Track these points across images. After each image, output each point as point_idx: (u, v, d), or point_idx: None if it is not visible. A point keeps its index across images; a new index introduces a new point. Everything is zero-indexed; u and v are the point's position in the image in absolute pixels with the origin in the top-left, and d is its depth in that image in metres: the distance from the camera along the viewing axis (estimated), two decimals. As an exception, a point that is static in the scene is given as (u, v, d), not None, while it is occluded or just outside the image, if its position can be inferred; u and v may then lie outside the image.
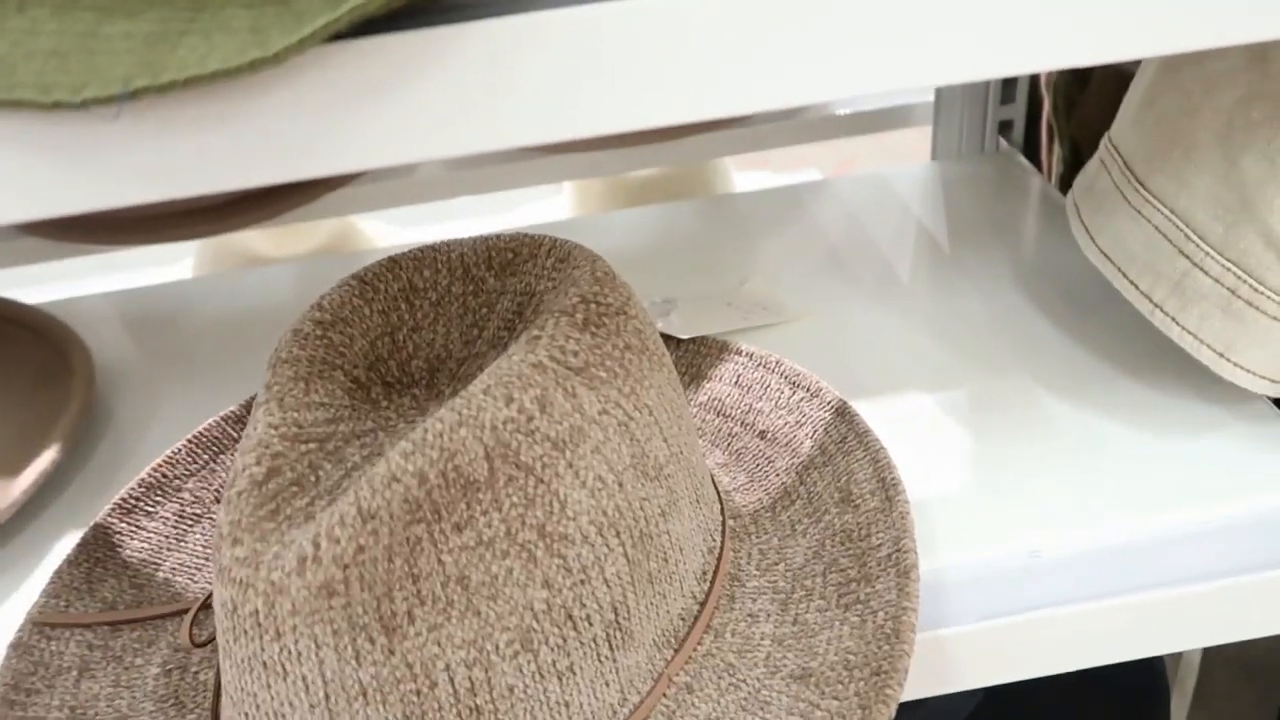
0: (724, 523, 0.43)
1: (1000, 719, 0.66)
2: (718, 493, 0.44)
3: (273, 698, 0.33)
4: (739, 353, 0.54)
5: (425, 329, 0.41)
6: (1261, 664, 0.58)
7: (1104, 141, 0.54)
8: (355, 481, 0.34)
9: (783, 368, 0.52)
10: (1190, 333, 0.48)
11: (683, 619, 0.39)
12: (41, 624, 0.44)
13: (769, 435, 0.49)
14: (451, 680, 0.33)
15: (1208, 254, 0.47)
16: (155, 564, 0.48)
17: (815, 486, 0.46)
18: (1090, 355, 0.56)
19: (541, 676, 0.34)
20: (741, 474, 0.48)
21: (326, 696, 0.33)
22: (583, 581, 0.35)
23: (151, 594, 0.46)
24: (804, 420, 0.49)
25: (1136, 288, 0.49)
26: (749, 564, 0.43)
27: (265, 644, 0.33)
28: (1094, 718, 0.65)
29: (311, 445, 0.36)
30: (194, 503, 0.50)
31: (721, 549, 0.42)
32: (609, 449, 0.35)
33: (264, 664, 0.33)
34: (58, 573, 0.47)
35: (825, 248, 0.67)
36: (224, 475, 0.51)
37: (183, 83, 0.28)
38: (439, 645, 0.33)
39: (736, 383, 0.53)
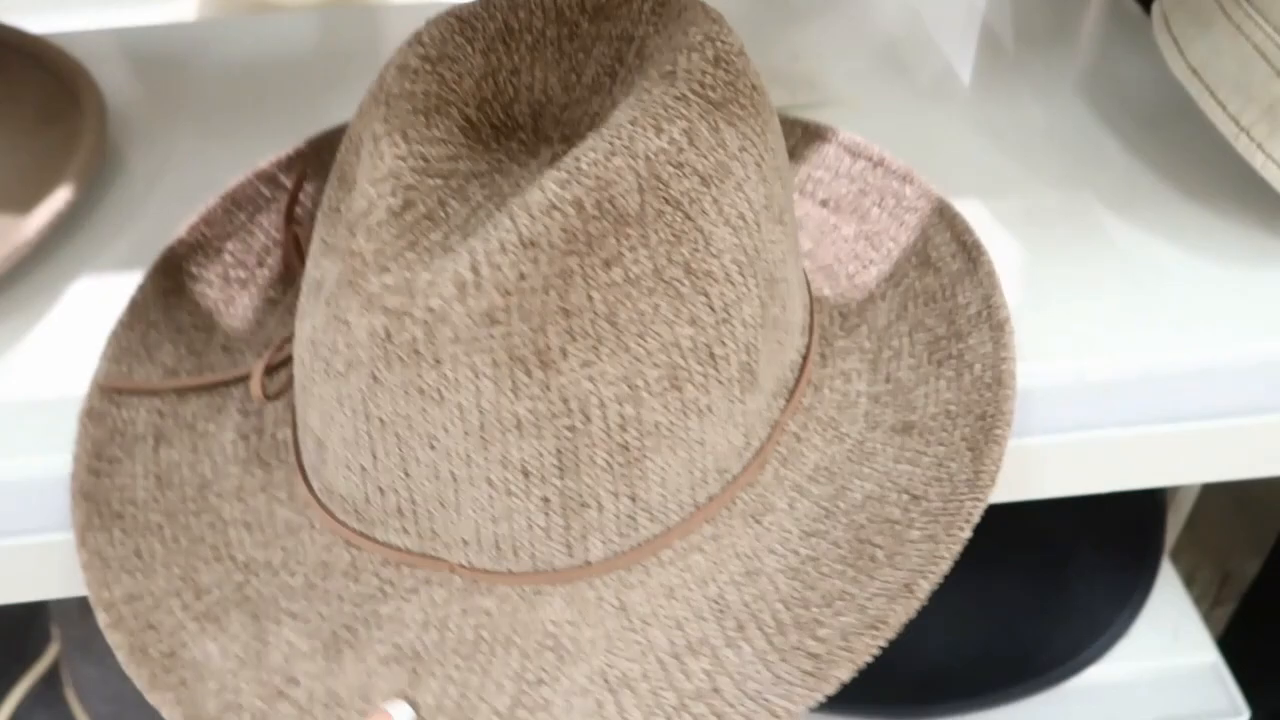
0: (808, 281, 0.42)
1: (994, 528, 0.67)
2: None
3: (427, 422, 0.33)
4: (789, 123, 0.52)
5: (524, 72, 0.39)
6: (1257, 498, 0.59)
7: (1204, -54, 0.50)
8: (492, 216, 0.33)
9: (839, 136, 0.50)
10: (1276, 162, 0.46)
11: (791, 370, 0.39)
12: (109, 389, 0.43)
13: (831, 203, 0.48)
14: (604, 416, 0.33)
15: (1308, 79, 0.45)
16: (209, 328, 0.46)
17: (890, 251, 0.45)
18: (1154, 174, 0.54)
19: (685, 414, 0.35)
20: (806, 240, 0.47)
21: (482, 426, 0.33)
22: (724, 320, 0.34)
23: (210, 360, 0.45)
24: (868, 189, 0.48)
25: (1224, 109, 0.47)
26: (832, 324, 0.42)
27: (423, 371, 0.32)
28: (1089, 532, 0.66)
29: (438, 181, 0.35)
30: (237, 265, 0.48)
31: (812, 305, 0.42)
32: (749, 187, 0.35)
33: (420, 390, 0.33)
34: (114, 336, 0.45)
35: (880, 37, 0.63)
36: (263, 237, 0.49)
37: None
38: (592, 381, 0.33)
39: (791, 152, 0.51)
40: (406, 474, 0.35)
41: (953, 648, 0.65)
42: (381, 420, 0.34)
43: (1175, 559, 0.78)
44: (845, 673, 0.34)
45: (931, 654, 0.66)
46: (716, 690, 0.34)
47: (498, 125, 0.38)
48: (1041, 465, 0.47)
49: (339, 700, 0.36)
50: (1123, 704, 0.65)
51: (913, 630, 0.68)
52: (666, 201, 0.33)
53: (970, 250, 0.44)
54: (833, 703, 0.64)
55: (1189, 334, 0.47)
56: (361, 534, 0.38)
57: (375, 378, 0.33)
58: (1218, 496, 0.71)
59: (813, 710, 0.69)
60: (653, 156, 0.32)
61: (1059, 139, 0.56)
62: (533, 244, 0.31)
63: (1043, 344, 0.47)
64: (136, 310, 0.46)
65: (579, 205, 0.31)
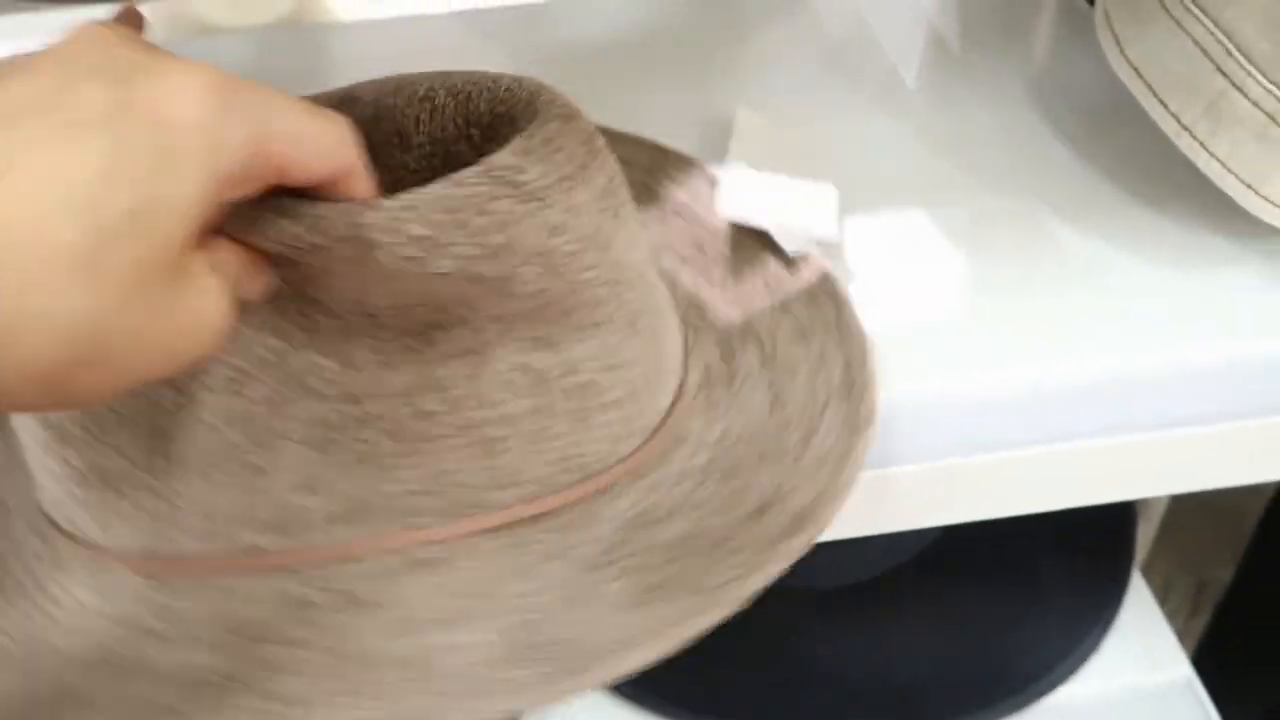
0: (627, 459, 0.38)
1: (961, 541, 0.66)
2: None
3: None
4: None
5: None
6: (1229, 504, 0.57)
7: (1145, -60, 0.49)
8: None
9: (827, 279, 0.46)
10: (1219, 160, 0.44)
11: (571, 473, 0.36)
12: None
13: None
14: None
15: (1249, 74, 0.43)
16: None
17: (783, 424, 0.41)
18: (1103, 178, 0.52)
19: None
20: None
21: None
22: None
23: None
24: (812, 344, 0.43)
25: (1165, 107, 0.45)
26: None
27: None
28: (1058, 547, 0.64)
29: None
30: None
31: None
32: None
33: None
34: None
35: (826, 45, 0.62)
36: None
37: None
38: None
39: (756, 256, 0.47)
40: None
41: (922, 668, 0.64)
42: None
43: (1150, 568, 0.76)
44: None
45: (900, 675, 0.64)
46: None
47: None
48: (1001, 482, 0.45)
49: None
50: (1097, 721, 0.63)
51: (882, 650, 0.66)
52: None
53: (848, 437, 0.39)
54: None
55: (1144, 341, 0.46)
56: None
57: None
58: (1190, 504, 0.69)
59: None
60: None
61: (1007, 143, 0.54)
62: None
63: (993, 355, 0.45)
64: None
65: None
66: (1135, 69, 0.47)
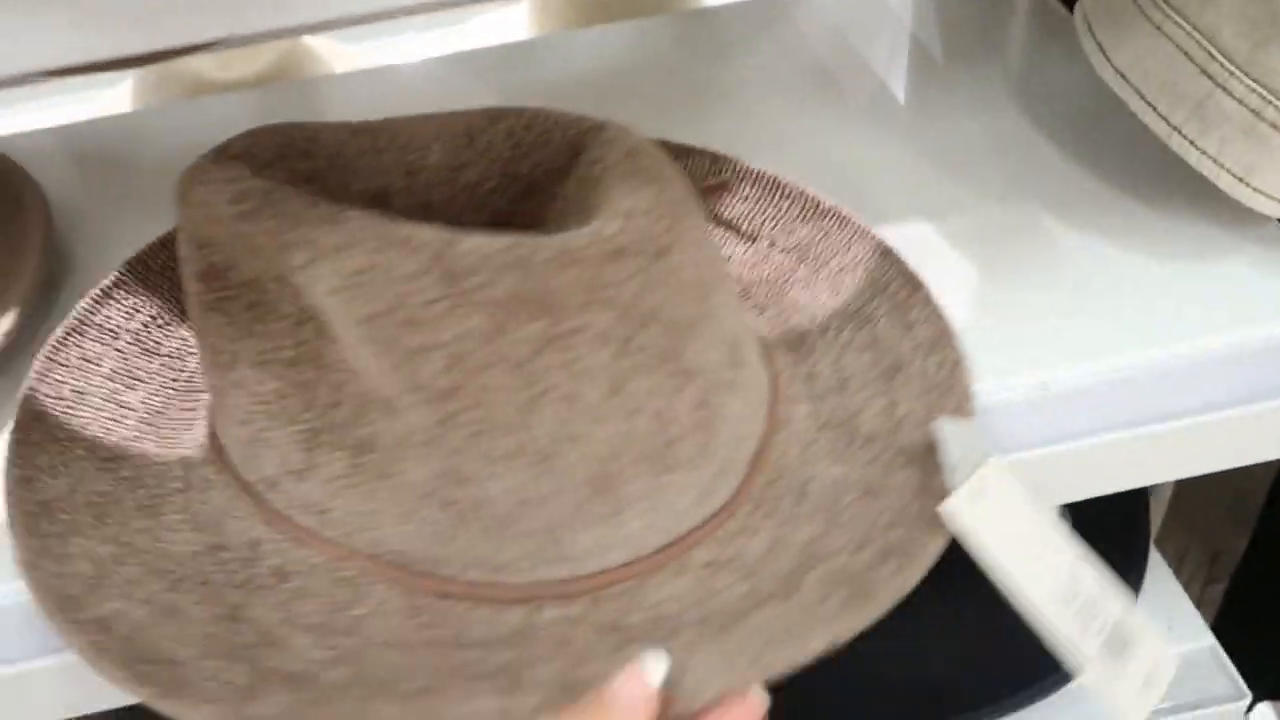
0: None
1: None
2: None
3: None
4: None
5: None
6: (1235, 474, 0.59)
7: (1119, -51, 0.51)
8: None
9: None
10: (1210, 157, 0.46)
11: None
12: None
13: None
14: None
15: (1232, 74, 0.45)
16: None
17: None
18: (1095, 179, 0.54)
19: None
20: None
21: None
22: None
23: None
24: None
25: (1154, 110, 0.47)
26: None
27: None
28: (1074, 531, 0.66)
29: None
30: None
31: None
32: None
33: None
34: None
35: (809, 66, 0.63)
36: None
37: None
38: None
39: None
40: None
41: (952, 661, 0.65)
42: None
43: (1164, 542, 0.78)
44: None
45: (932, 667, 0.65)
46: None
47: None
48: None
49: None
50: (1125, 697, 0.64)
51: (912, 646, 0.67)
52: None
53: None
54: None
55: (1150, 335, 0.47)
56: None
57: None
58: (1199, 479, 0.71)
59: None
60: None
61: (998, 151, 0.56)
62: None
63: (1004, 359, 0.47)
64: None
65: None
66: (1122, 74, 0.49)
